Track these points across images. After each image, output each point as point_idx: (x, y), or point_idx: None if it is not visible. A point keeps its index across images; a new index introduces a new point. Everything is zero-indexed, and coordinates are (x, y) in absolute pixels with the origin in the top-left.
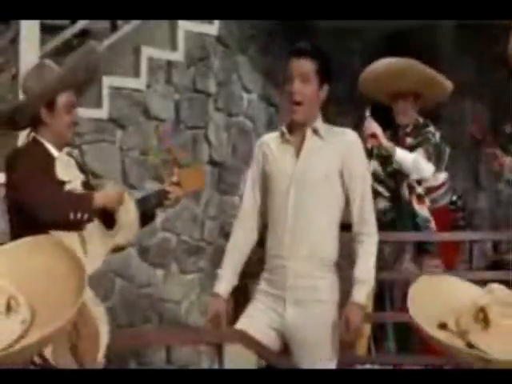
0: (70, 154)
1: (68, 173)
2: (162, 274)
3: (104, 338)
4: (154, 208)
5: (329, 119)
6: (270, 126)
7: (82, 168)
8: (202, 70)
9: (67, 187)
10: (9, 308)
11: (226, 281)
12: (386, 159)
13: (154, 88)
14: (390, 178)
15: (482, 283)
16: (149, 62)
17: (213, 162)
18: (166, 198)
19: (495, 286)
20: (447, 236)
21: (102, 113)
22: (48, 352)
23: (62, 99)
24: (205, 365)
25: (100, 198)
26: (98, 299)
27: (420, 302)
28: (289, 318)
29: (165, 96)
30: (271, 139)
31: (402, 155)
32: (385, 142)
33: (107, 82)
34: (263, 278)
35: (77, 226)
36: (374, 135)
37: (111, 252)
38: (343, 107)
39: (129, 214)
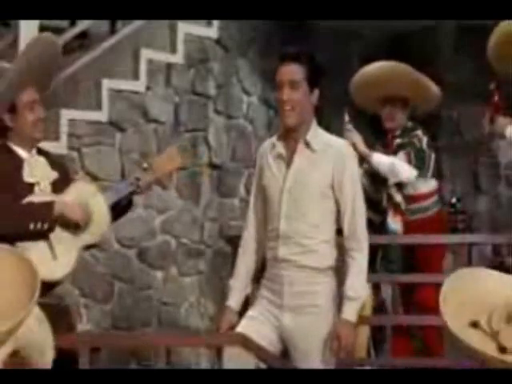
0: (40, 152)
1: (37, 173)
2: (162, 276)
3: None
4: (127, 197)
5: (327, 121)
6: (270, 129)
7: (56, 164)
8: (201, 72)
9: (36, 188)
10: None
11: (237, 293)
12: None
13: (154, 90)
14: (373, 188)
15: None
16: (148, 64)
17: (212, 165)
18: (138, 185)
19: None
20: (446, 239)
21: (102, 115)
22: (26, 352)
23: (22, 98)
24: (204, 367)
25: (60, 207)
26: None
27: (453, 297)
28: (286, 324)
29: (164, 98)
30: (268, 150)
31: (378, 159)
32: (362, 148)
33: (107, 84)
34: (263, 284)
35: (40, 236)
36: (352, 144)
37: (83, 249)
38: (342, 109)
39: (99, 206)
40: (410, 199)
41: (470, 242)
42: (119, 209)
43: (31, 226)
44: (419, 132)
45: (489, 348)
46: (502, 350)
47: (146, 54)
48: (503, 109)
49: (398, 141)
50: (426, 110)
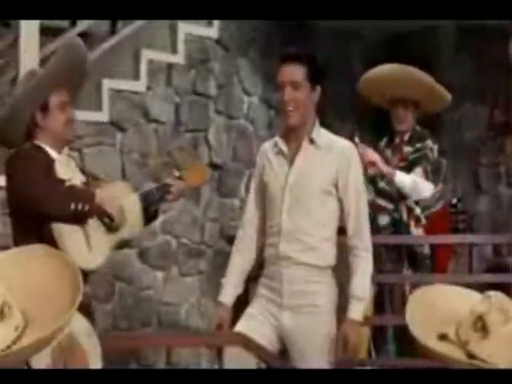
0: (70, 156)
1: (68, 173)
2: (162, 276)
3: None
4: (158, 202)
5: (327, 122)
6: (271, 129)
7: (83, 170)
8: (202, 72)
9: (68, 184)
10: (2, 314)
11: (230, 289)
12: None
13: (155, 91)
14: (392, 193)
15: (482, 286)
16: (149, 64)
17: (213, 165)
18: (169, 191)
19: (492, 293)
20: (447, 239)
21: (102, 115)
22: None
23: (54, 99)
24: (204, 367)
25: (100, 195)
26: (94, 331)
27: (418, 315)
28: (285, 323)
29: (165, 99)
30: (269, 148)
31: (400, 179)
32: (385, 168)
33: (107, 84)
34: (262, 282)
35: (79, 220)
36: (372, 163)
37: (116, 247)
38: (342, 110)
39: (133, 208)
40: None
41: (470, 242)
42: (150, 214)
43: (72, 206)
44: (429, 142)
45: (459, 356)
46: (471, 357)
47: (146, 54)
48: None
49: (407, 149)
50: (432, 113)
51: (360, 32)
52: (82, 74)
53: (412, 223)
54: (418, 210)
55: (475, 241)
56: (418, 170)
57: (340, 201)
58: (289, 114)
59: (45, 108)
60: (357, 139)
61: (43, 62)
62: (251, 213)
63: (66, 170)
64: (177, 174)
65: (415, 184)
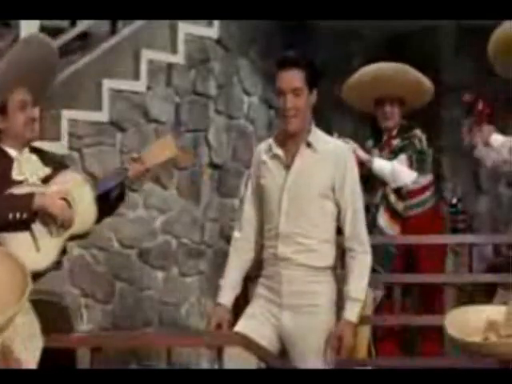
0: (34, 150)
1: (25, 170)
2: (162, 276)
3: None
4: (117, 189)
5: (327, 122)
6: (271, 129)
7: (51, 161)
8: (202, 72)
9: (23, 186)
10: None
11: (228, 290)
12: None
13: (155, 91)
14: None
15: (482, 286)
16: (149, 64)
17: (213, 165)
18: (126, 176)
19: None
20: (447, 239)
21: (102, 115)
22: (20, 353)
23: (13, 98)
24: (204, 367)
25: (40, 200)
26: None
27: (456, 323)
28: (285, 323)
29: (165, 99)
30: (264, 150)
31: (379, 165)
32: (362, 154)
33: (107, 84)
34: (261, 283)
35: (19, 228)
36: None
37: (69, 240)
38: (342, 110)
39: (83, 201)
40: (407, 194)
41: (470, 242)
42: (110, 201)
43: (10, 216)
44: (417, 131)
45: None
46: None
47: (146, 54)
48: (487, 116)
49: (396, 141)
50: (419, 106)
51: (360, 32)
52: (45, 72)
53: (385, 213)
54: (393, 199)
55: (475, 241)
56: (402, 157)
57: (337, 203)
58: (289, 120)
59: (3, 110)
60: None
61: None
62: (249, 213)
63: (23, 168)
64: (134, 155)
65: (394, 170)
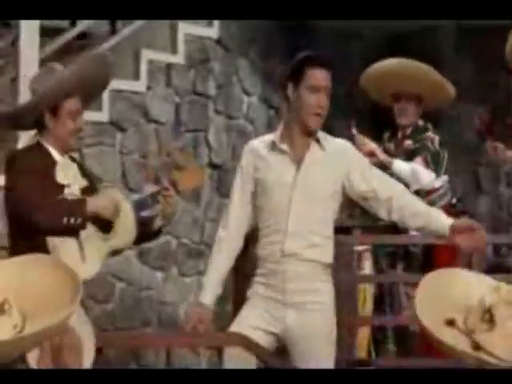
0: (73, 159)
1: (68, 177)
2: (162, 276)
3: (88, 353)
4: (151, 212)
5: (327, 122)
6: (270, 129)
7: (86, 173)
8: (202, 72)
9: (66, 191)
10: (2, 310)
11: (211, 290)
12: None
13: (154, 91)
14: None
15: None
16: (149, 64)
17: (213, 165)
18: (158, 200)
19: (503, 285)
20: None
21: (102, 115)
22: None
23: (67, 105)
24: (204, 367)
25: (92, 204)
26: (86, 317)
27: (428, 297)
28: (289, 322)
29: (165, 99)
30: (261, 147)
31: (399, 167)
32: (383, 156)
33: None
34: (257, 281)
35: (72, 232)
36: (371, 153)
37: (110, 255)
38: (341, 110)
39: (125, 216)
40: (426, 194)
41: None
42: (151, 229)
43: (64, 221)
44: (430, 133)
45: (463, 345)
46: (476, 347)
47: (146, 54)
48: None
49: (409, 142)
50: (438, 108)
51: (360, 32)
52: (101, 87)
53: None
54: None
55: None
56: (418, 160)
57: (366, 187)
58: (315, 118)
59: (55, 111)
60: (354, 130)
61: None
62: (236, 213)
63: (67, 173)
64: (165, 182)
65: (414, 171)
